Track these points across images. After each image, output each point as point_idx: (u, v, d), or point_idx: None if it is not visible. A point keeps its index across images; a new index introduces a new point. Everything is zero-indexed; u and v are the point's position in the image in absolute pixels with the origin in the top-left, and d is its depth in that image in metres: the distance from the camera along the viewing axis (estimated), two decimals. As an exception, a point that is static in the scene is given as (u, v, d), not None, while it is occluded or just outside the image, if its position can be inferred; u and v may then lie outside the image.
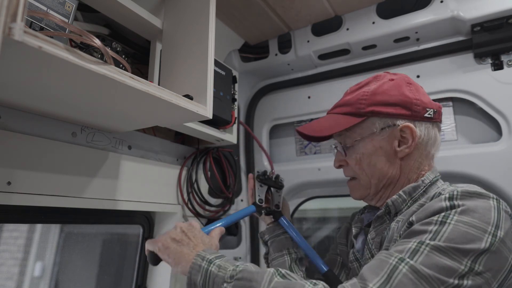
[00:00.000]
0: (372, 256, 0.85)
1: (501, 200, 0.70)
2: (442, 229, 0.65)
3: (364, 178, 0.90)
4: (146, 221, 1.35)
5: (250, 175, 1.27)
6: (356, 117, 0.88)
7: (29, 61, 0.58)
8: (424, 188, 0.83)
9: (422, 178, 0.85)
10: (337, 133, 0.94)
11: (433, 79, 1.35)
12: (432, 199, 0.74)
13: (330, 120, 0.95)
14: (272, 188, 1.26)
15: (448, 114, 1.37)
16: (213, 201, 1.52)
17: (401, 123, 0.85)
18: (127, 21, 1.04)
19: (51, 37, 0.56)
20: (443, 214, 0.67)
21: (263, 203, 1.20)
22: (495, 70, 1.26)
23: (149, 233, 1.36)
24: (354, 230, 0.98)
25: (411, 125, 0.84)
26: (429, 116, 0.85)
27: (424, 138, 0.86)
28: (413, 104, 0.84)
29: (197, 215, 1.45)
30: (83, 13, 1.04)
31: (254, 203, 1.19)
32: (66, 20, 0.79)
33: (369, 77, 0.94)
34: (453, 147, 1.30)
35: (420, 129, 0.85)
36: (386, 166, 0.87)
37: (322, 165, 1.54)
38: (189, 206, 1.42)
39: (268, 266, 1.15)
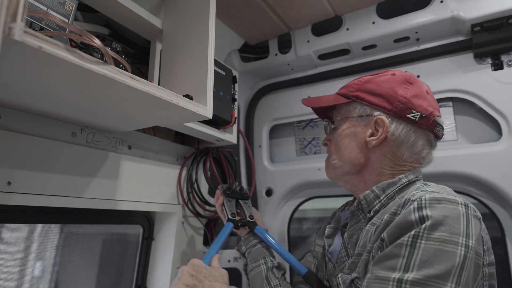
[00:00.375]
0: (348, 255, 0.86)
1: (469, 205, 0.69)
2: (414, 252, 0.64)
3: (334, 158, 0.93)
4: (146, 221, 1.35)
5: (218, 191, 1.27)
6: (344, 98, 0.92)
7: (29, 61, 0.58)
8: (400, 186, 0.83)
9: (400, 176, 0.84)
10: (331, 112, 0.99)
11: (433, 79, 1.35)
12: (403, 206, 0.73)
13: (329, 96, 0.98)
14: (240, 200, 1.27)
15: (448, 114, 1.37)
16: (213, 201, 1.52)
17: (378, 114, 0.86)
18: (127, 21, 1.04)
19: (51, 37, 0.56)
20: (412, 233, 0.65)
21: (236, 217, 1.20)
22: (495, 70, 1.26)
23: (149, 233, 1.36)
24: (327, 231, 0.99)
25: (385, 118, 0.84)
26: (413, 118, 0.83)
27: (398, 137, 0.84)
28: (397, 100, 0.84)
29: (197, 215, 1.45)
30: (83, 13, 1.04)
31: (229, 219, 1.18)
32: (66, 20, 0.79)
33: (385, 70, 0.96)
34: (453, 147, 1.30)
35: (397, 127, 0.84)
36: (354, 152, 0.88)
37: (322, 165, 1.52)
38: (189, 206, 1.42)
39: (247, 278, 1.15)
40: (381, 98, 0.86)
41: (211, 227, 1.60)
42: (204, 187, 1.50)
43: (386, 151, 0.86)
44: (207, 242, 1.59)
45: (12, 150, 0.88)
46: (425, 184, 0.82)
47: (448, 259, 0.62)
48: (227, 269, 1.70)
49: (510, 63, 1.23)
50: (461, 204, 0.68)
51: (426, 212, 0.66)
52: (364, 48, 1.47)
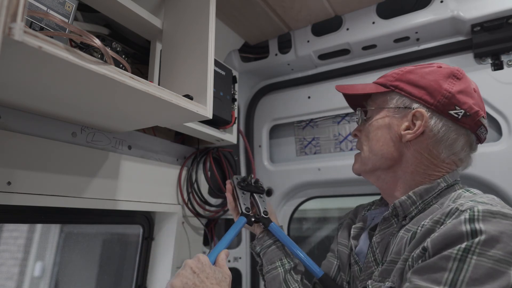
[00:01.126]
0: (375, 260, 0.81)
1: None
2: (463, 267, 0.59)
3: (366, 151, 0.87)
4: (146, 221, 1.35)
5: (228, 181, 1.21)
6: (382, 86, 0.86)
7: (29, 61, 0.58)
8: (438, 192, 0.77)
9: (439, 180, 0.78)
10: (365, 101, 0.93)
11: (433, 79, 1.35)
12: (448, 215, 0.66)
13: (364, 85, 0.92)
14: (255, 194, 1.20)
15: (448, 114, 1.37)
16: (213, 201, 1.52)
17: (417, 106, 0.79)
18: (127, 21, 1.04)
19: (51, 37, 0.56)
20: (463, 247, 0.60)
21: (250, 212, 1.14)
22: (495, 70, 1.26)
23: (149, 233, 1.36)
24: (353, 232, 0.94)
25: (425, 112, 0.78)
26: (455, 115, 0.76)
27: (436, 134, 0.78)
28: (441, 94, 0.77)
29: (197, 215, 1.45)
30: (83, 13, 1.04)
31: (242, 214, 1.11)
32: (66, 20, 0.79)
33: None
34: (453, 147, 1.30)
35: (436, 123, 0.77)
36: (387, 146, 0.82)
37: (322, 165, 1.54)
38: (189, 206, 1.42)
39: (263, 279, 1.09)
40: (423, 90, 0.79)
41: (211, 227, 1.60)
42: (204, 187, 1.50)
43: (422, 147, 0.79)
44: (207, 242, 1.59)
45: (12, 150, 0.88)
46: (468, 191, 0.76)
47: (501, 280, 0.56)
48: (227, 269, 1.70)
49: (510, 63, 1.23)
50: None
51: (480, 225, 0.60)
52: (364, 48, 1.47)
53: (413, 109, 0.80)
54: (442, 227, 0.65)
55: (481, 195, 0.73)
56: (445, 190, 0.78)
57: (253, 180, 1.24)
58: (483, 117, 0.79)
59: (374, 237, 0.84)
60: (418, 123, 0.78)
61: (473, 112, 0.77)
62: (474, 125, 0.79)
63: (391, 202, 0.85)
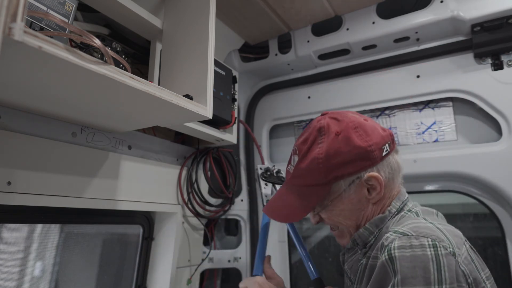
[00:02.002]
0: (351, 281, 0.88)
1: (438, 244, 0.67)
2: None
3: (344, 227, 0.91)
4: (146, 221, 1.34)
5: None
6: (320, 187, 0.85)
7: (29, 61, 0.58)
8: (390, 217, 0.84)
9: (389, 208, 0.84)
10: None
11: (433, 79, 1.35)
12: (381, 250, 0.72)
13: (291, 198, 0.91)
14: (276, 185, 1.21)
15: (448, 114, 1.37)
16: (213, 201, 1.52)
17: (363, 174, 0.83)
18: (127, 21, 1.04)
19: (51, 37, 0.56)
20: None
21: None
22: (495, 70, 1.26)
23: (149, 233, 1.36)
24: (341, 257, 0.99)
25: (374, 173, 0.82)
26: (387, 152, 0.84)
27: (389, 177, 0.85)
28: (369, 152, 0.82)
29: (197, 215, 1.45)
30: (83, 13, 1.04)
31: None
32: (66, 20, 0.79)
33: (311, 129, 0.88)
34: (453, 147, 1.30)
35: (384, 171, 0.84)
36: (359, 213, 0.86)
37: (322, 165, 1.53)
38: (189, 206, 1.42)
39: None
40: (355, 162, 0.82)
41: (211, 227, 1.60)
42: (204, 187, 1.50)
43: (387, 192, 0.86)
44: (207, 242, 1.59)
45: (12, 150, 0.88)
46: (409, 211, 0.83)
47: None
48: (227, 269, 1.71)
49: (510, 63, 1.23)
50: (429, 246, 0.67)
51: (396, 265, 0.66)
52: (364, 48, 1.47)
53: (362, 177, 0.83)
54: (376, 268, 0.71)
55: (410, 220, 0.77)
56: (396, 215, 0.84)
57: (275, 170, 1.24)
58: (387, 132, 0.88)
59: (346, 264, 0.92)
60: (375, 183, 0.82)
61: (390, 138, 0.86)
62: (394, 143, 0.88)
63: None
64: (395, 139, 1.16)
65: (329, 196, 0.86)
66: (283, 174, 1.26)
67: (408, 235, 0.70)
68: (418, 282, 0.63)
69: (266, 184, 1.19)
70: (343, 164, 0.82)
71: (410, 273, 0.64)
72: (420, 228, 0.71)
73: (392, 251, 0.68)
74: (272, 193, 1.21)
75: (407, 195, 0.89)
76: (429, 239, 0.68)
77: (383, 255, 0.69)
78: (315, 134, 0.86)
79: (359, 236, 0.85)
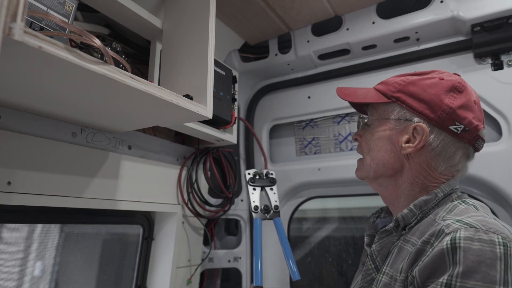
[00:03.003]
0: (376, 267, 0.83)
1: (507, 242, 0.62)
2: None
3: (367, 159, 0.89)
4: (146, 221, 1.35)
5: None
6: (384, 97, 0.87)
7: (29, 61, 0.58)
8: (436, 201, 0.79)
9: (436, 191, 0.80)
10: (367, 107, 0.95)
11: (433, 79, 1.35)
12: (437, 236, 0.68)
13: (365, 91, 0.93)
14: (266, 188, 1.21)
15: (448, 114, 1.37)
16: (213, 201, 1.52)
17: (418, 120, 0.81)
18: (127, 21, 1.04)
19: (51, 37, 0.56)
20: (444, 281, 0.62)
21: (259, 209, 1.15)
22: (495, 70, 1.26)
23: (149, 233, 1.36)
24: (366, 239, 0.95)
25: (426, 127, 0.79)
26: (455, 130, 0.78)
27: (435, 148, 0.80)
28: (441, 109, 0.78)
29: (197, 215, 1.45)
30: (83, 13, 1.04)
31: (253, 213, 1.13)
32: (66, 20, 0.79)
33: (429, 70, 0.88)
34: (453, 147, 1.30)
35: (436, 137, 0.79)
36: (388, 156, 0.85)
37: (322, 165, 1.54)
38: (189, 206, 1.42)
39: None
40: (424, 104, 0.80)
41: (211, 227, 1.60)
42: (204, 187, 1.50)
43: (421, 160, 0.82)
44: (207, 242, 1.59)
45: (12, 150, 0.88)
46: (464, 202, 0.78)
47: None
48: (227, 269, 1.70)
49: (510, 63, 1.23)
50: (499, 244, 0.62)
51: (459, 255, 0.62)
52: (364, 48, 1.47)
53: (414, 122, 0.81)
54: (430, 249, 0.67)
55: (471, 212, 0.72)
56: (443, 199, 0.80)
57: (264, 172, 1.23)
58: (482, 130, 0.81)
59: (373, 245, 0.86)
60: (418, 137, 0.80)
61: (472, 127, 0.79)
62: (472, 139, 0.81)
63: (393, 210, 0.90)
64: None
65: (382, 112, 0.87)
66: (274, 175, 1.26)
67: (475, 227, 0.65)
68: (480, 278, 0.59)
69: (254, 189, 1.18)
70: (415, 96, 0.81)
71: (474, 267, 0.60)
72: (488, 223, 0.67)
73: (457, 241, 0.63)
74: (260, 198, 1.19)
75: (457, 186, 0.85)
76: (499, 237, 0.63)
77: (444, 243, 0.64)
78: (428, 71, 0.87)
79: (403, 217, 0.80)
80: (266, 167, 1.43)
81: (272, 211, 1.15)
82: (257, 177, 1.22)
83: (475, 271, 0.60)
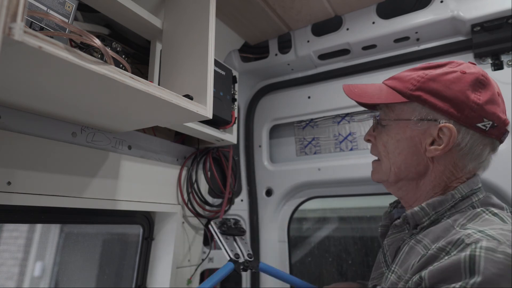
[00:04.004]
0: (386, 262, 0.81)
1: None
2: None
3: (386, 163, 0.83)
4: (146, 221, 1.35)
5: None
6: (400, 95, 0.79)
7: (29, 61, 0.58)
8: (452, 203, 0.74)
9: (452, 192, 0.75)
10: (379, 105, 0.86)
11: (433, 79, 1.35)
12: (454, 245, 0.63)
13: (377, 88, 0.85)
14: (237, 237, 1.18)
15: (448, 114, 1.37)
16: (213, 201, 1.52)
17: (443, 121, 0.74)
18: (127, 21, 1.04)
19: (51, 37, 0.56)
20: (458, 286, 0.57)
21: (240, 258, 1.11)
22: (495, 70, 1.26)
23: (149, 233, 1.36)
24: (380, 229, 0.91)
25: (453, 127, 0.73)
26: (483, 127, 0.73)
27: (463, 148, 0.74)
28: (468, 107, 0.72)
29: (197, 215, 1.45)
30: (83, 13, 1.04)
31: (231, 260, 1.10)
32: (66, 20, 0.79)
33: (444, 61, 0.82)
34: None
35: (464, 137, 0.74)
36: (411, 159, 0.78)
37: (322, 165, 1.54)
38: (189, 206, 1.42)
39: None
40: (449, 102, 0.73)
41: (211, 227, 1.60)
42: (204, 187, 1.50)
43: (447, 162, 0.76)
44: (207, 242, 1.59)
45: (12, 150, 0.88)
46: (489, 212, 0.71)
47: None
48: (227, 269, 1.70)
49: (510, 63, 1.23)
50: None
51: (478, 266, 0.57)
52: (364, 48, 1.47)
53: (439, 123, 0.75)
54: (446, 257, 0.63)
55: (496, 224, 0.67)
56: (460, 202, 0.75)
57: (233, 222, 1.21)
58: (509, 124, 0.77)
59: (386, 239, 0.83)
60: (445, 138, 0.74)
61: (501, 122, 0.75)
62: (500, 134, 0.76)
63: (409, 209, 0.84)
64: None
65: (401, 113, 0.80)
66: (242, 224, 1.22)
67: (499, 240, 0.60)
68: None
69: (227, 238, 1.15)
70: (438, 94, 0.74)
71: (494, 280, 0.55)
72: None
73: (478, 250, 0.58)
74: (234, 247, 1.14)
75: (480, 184, 0.79)
76: None
77: (463, 253, 0.59)
78: (444, 62, 0.81)
79: (412, 215, 0.76)
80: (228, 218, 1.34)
81: (249, 260, 1.12)
82: (225, 226, 1.18)
83: (495, 285, 0.55)
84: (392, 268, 0.76)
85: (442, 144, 0.74)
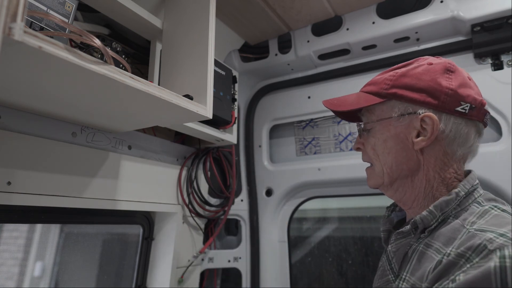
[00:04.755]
0: (392, 269, 0.79)
1: None
2: None
3: (378, 165, 0.83)
4: (146, 221, 1.35)
5: None
6: (377, 97, 0.81)
7: (29, 61, 0.58)
8: (458, 202, 0.74)
9: (456, 190, 0.74)
10: (361, 112, 0.88)
11: (433, 79, 1.35)
12: (475, 251, 0.61)
13: (355, 96, 0.88)
14: None
15: (448, 114, 1.37)
16: (213, 201, 1.52)
17: (423, 111, 0.76)
18: (127, 21, 1.04)
19: (51, 37, 0.56)
20: None
21: None
22: (495, 70, 1.26)
23: (149, 233, 1.36)
24: (382, 235, 0.91)
25: (434, 115, 0.75)
26: (462, 111, 0.74)
27: (449, 134, 0.75)
28: (443, 93, 0.75)
29: (197, 215, 1.45)
30: (83, 13, 1.04)
31: None
32: (66, 20, 0.79)
33: (411, 60, 0.85)
34: (453, 147, 1.30)
35: (446, 123, 0.75)
36: (401, 156, 0.79)
37: (322, 165, 1.54)
38: (189, 206, 1.42)
39: None
40: (424, 93, 0.76)
41: (211, 227, 1.60)
42: (204, 187, 1.50)
43: (436, 151, 0.77)
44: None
45: (12, 150, 0.88)
46: (495, 207, 0.71)
47: None
48: (227, 269, 1.71)
49: (510, 63, 1.23)
50: None
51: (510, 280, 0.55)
52: (364, 48, 1.47)
53: (420, 114, 0.76)
54: (467, 265, 0.61)
55: (506, 218, 0.66)
56: (464, 199, 0.75)
57: None
58: (486, 104, 0.78)
59: (389, 246, 0.82)
60: (429, 128, 0.75)
61: (478, 103, 0.76)
62: (481, 115, 0.77)
63: (410, 213, 0.84)
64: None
65: (381, 113, 0.82)
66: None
67: None
68: None
69: None
70: (411, 88, 0.77)
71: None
72: None
73: (508, 261, 0.56)
74: None
75: (477, 180, 0.79)
76: None
77: (492, 263, 0.57)
78: (412, 61, 0.84)
79: (422, 220, 0.75)
80: (233, 183, 1.27)
81: None
82: None
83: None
84: (402, 276, 0.75)
85: (427, 134, 0.76)
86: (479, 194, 0.76)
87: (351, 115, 0.93)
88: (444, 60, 0.81)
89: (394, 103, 0.80)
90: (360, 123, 0.90)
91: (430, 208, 0.74)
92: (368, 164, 0.89)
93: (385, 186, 0.85)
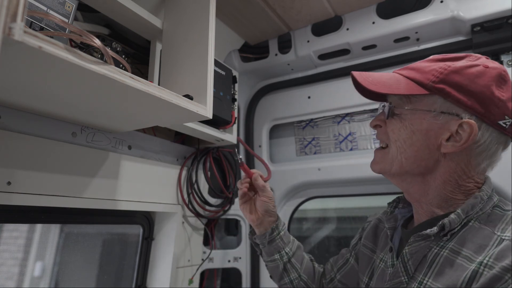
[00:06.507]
0: (406, 271, 0.75)
1: None
2: None
3: (394, 150, 0.77)
4: (146, 221, 1.35)
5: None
6: (421, 87, 0.74)
7: (29, 61, 0.58)
8: (481, 205, 0.71)
9: (480, 194, 0.71)
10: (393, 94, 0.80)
11: (433, 79, 1.35)
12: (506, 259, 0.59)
13: (392, 78, 0.79)
14: None
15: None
16: (213, 201, 1.52)
17: (466, 117, 0.70)
18: (127, 21, 1.04)
19: (51, 37, 0.56)
20: None
21: None
22: (495, 70, 1.26)
23: (149, 233, 1.36)
24: (389, 232, 0.86)
25: (475, 124, 0.69)
26: (504, 125, 0.70)
27: (480, 145, 0.71)
28: (493, 103, 0.69)
29: (197, 215, 1.45)
30: (83, 13, 1.04)
31: None
32: (66, 20, 0.79)
33: (460, 53, 0.77)
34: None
35: (483, 134, 0.70)
36: (422, 153, 0.74)
37: (322, 165, 1.54)
38: (189, 206, 1.42)
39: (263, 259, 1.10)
40: (473, 98, 0.70)
41: (211, 227, 1.60)
42: (204, 187, 1.50)
43: (461, 158, 0.72)
44: (207, 242, 1.59)
45: (12, 150, 0.88)
46: None
47: None
48: (227, 269, 1.70)
49: (510, 63, 1.23)
50: None
51: None
52: (364, 48, 1.47)
53: (462, 118, 0.71)
54: None
55: None
56: (486, 202, 0.72)
57: None
58: None
59: (406, 247, 0.77)
60: (464, 135, 0.70)
61: None
62: None
63: (418, 207, 0.81)
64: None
65: (418, 103, 0.75)
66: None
67: None
68: None
69: None
70: (462, 88, 0.70)
71: None
72: None
73: None
74: None
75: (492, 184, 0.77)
76: None
77: None
78: (462, 55, 0.76)
79: (450, 223, 0.70)
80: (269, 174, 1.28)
81: None
82: None
83: None
84: (423, 280, 0.72)
85: (461, 141, 0.70)
86: (497, 199, 0.74)
87: (372, 92, 0.83)
88: (499, 66, 0.74)
89: (437, 99, 0.73)
90: (386, 103, 0.81)
91: (458, 211, 0.71)
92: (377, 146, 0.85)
93: (391, 174, 0.80)
